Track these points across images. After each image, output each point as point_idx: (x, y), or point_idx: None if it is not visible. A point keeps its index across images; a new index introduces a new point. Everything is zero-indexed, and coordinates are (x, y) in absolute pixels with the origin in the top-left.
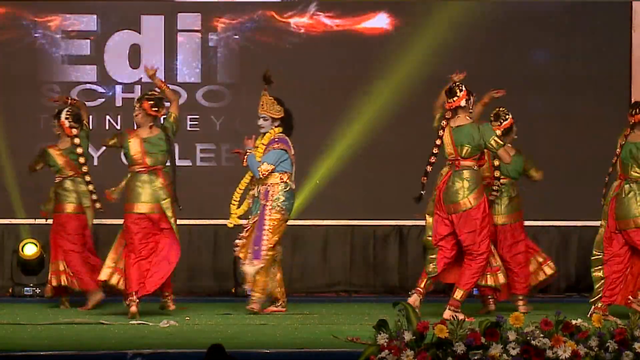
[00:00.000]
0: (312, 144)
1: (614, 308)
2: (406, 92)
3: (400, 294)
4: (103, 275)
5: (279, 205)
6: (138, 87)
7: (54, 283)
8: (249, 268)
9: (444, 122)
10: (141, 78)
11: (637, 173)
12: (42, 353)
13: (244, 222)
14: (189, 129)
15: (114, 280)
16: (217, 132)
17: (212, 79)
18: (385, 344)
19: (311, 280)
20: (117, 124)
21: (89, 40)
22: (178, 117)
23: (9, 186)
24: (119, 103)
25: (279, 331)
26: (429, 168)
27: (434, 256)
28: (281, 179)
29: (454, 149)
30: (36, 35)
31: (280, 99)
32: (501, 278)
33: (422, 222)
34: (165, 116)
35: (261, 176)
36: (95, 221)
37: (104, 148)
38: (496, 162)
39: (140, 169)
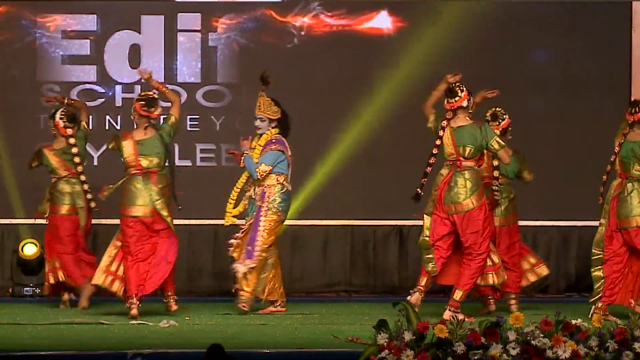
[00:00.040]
0: (312, 144)
1: (613, 308)
2: (406, 92)
3: (400, 294)
4: (95, 279)
5: (275, 207)
6: (138, 87)
7: (52, 280)
8: (241, 267)
9: (444, 123)
10: (141, 78)
11: (639, 171)
12: (42, 353)
13: (240, 222)
14: (189, 129)
15: (106, 283)
16: (217, 132)
17: (212, 79)
18: (385, 344)
19: (311, 280)
20: (117, 124)
21: (88, 40)
22: (178, 119)
23: (9, 186)
24: (119, 103)
25: (279, 331)
26: (428, 169)
27: (430, 256)
28: (278, 180)
29: (455, 150)
30: (36, 35)
31: (277, 100)
32: (503, 275)
33: (421, 222)
34: (165, 116)
35: (259, 177)
36: (95, 221)
37: (103, 148)
38: (495, 162)
39: (135, 172)
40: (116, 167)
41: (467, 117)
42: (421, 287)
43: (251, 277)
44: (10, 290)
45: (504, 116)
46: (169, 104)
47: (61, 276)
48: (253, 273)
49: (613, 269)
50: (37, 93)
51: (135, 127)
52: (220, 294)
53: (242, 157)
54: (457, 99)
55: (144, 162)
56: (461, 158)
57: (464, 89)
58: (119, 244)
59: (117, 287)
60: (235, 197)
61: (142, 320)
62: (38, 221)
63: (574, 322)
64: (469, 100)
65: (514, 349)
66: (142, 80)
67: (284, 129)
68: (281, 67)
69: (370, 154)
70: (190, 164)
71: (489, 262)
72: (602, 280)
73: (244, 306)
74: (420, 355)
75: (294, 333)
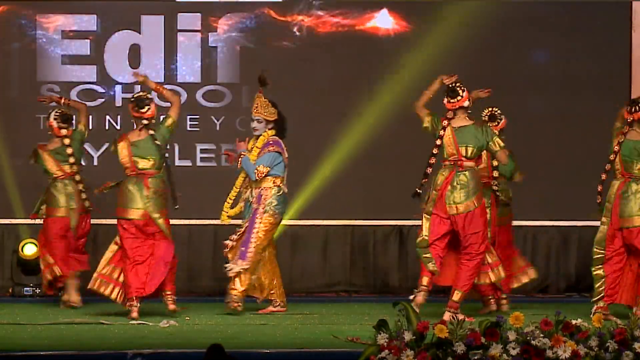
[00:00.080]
0: (312, 144)
1: (613, 308)
2: (406, 92)
3: (400, 294)
4: (91, 283)
5: (272, 210)
6: (138, 87)
7: (49, 277)
8: (234, 268)
9: (445, 122)
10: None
11: None
12: (42, 353)
13: (235, 221)
14: (189, 129)
15: (102, 289)
16: (217, 132)
17: (212, 79)
18: (385, 344)
19: (311, 280)
20: (117, 124)
21: (88, 40)
22: (175, 121)
23: (9, 186)
24: (118, 103)
25: (279, 331)
26: (429, 170)
27: (429, 255)
28: (274, 183)
29: (456, 150)
30: (36, 35)
31: (274, 101)
32: (502, 272)
33: (420, 222)
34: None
35: (257, 178)
36: (96, 221)
37: (104, 148)
38: (495, 162)
39: (131, 173)
40: (116, 167)
41: (467, 117)
42: (424, 287)
43: (244, 277)
44: (10, 290)
45: (501, 116)
46: (168, 104)
47: (57, 270)
48: (246, 274)
49: (613, 268)
50: (37, 93)
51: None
52: (220, 294)
53: (239, 158)
54: (458, 98)
55: (139, 164)
56: (463, 158)
57: (465, 88)
58: (116, 247)
59: (115, 294)
60: (233, 197)
61: (142, 320)
62: (38, 221)
63: (574, 322)
64: (468, 100)
65: (514, 349)
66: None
67: (281, 131)
68: (281, 67)
69: (371, 154)
70: (190, 164)
71: (486, 261)
72: (603, 280)
73: (238, 306)
74: (420, 355)
75: (294, 333)
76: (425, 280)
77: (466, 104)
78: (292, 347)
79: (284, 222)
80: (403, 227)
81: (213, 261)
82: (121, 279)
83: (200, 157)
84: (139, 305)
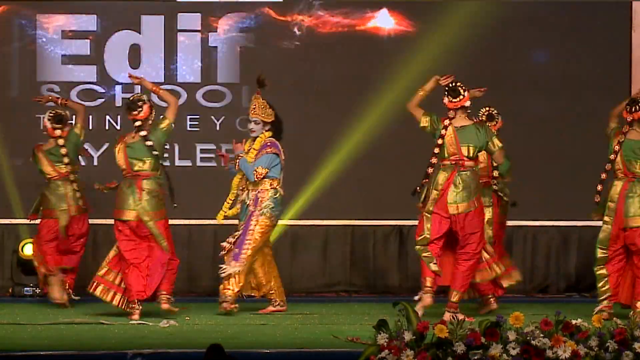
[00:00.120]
0: (312, 144)
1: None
2: (406, 92)
3: (400, 294)
4: (92, 287)
5: (268, 212)
6: (138, 88)
7: (43, 270)
8: (227, 269)
9: (447, 122)
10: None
11: None
12: (42, 353)
13: (230, 221)
14: (189, 129)
15: (103, 295)
16: (217, 132)
17: (212, 79)
18: (385, 344)
19: (311, 280)
20: (117, 124)
21: (88, 40)
22: (171, 122)
23: (9, 186)
24: (119, 103)
25: (279, 331)
26: (430, 169)
27: (429, 254)
28: (271, 185)
29: (458, 150)
30: (36, 35)
31: (270, 103)
32: (498, 268)
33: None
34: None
35: (256, 179)
36: (96, 221)
37: (104, 148)
38: (494, 162)
39: (127, 175)
40: (116, 167)
41: (466, 117)
42: (429, 288)
43: (238, 278)
44: (10, 290)
45: (498, 116)
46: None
47: (47, 268)
48: (240, 275)
49: (616, 267)
50: (37, 93)
51: None
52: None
53: (237, 160)
54: (460, 98)
55: (134, 166)
56: (464, 158)
57: (466, 88)
58: (117, 249)
59: (117, 301)
60: (233, 198)
61: (142, 320)
62: (38, 221)
63: (574, 322)
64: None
65: (514, 349)
66: (145, 78)
67: (278, 132)
68: (281, 67)
69: (370, 154)
70: (190, 164)
71: (483, 258)
72: (607, 279)
73: (234, 307)
74: (420, 355)
75: (294, 333)
76: (429, 281)
77: (467, 103)
78: (292, 347)
79: (285, 222)
80: (403, 227)
81: (213, 261)
82: (123, 284)
83: (200, 157)
84: (140, 307)
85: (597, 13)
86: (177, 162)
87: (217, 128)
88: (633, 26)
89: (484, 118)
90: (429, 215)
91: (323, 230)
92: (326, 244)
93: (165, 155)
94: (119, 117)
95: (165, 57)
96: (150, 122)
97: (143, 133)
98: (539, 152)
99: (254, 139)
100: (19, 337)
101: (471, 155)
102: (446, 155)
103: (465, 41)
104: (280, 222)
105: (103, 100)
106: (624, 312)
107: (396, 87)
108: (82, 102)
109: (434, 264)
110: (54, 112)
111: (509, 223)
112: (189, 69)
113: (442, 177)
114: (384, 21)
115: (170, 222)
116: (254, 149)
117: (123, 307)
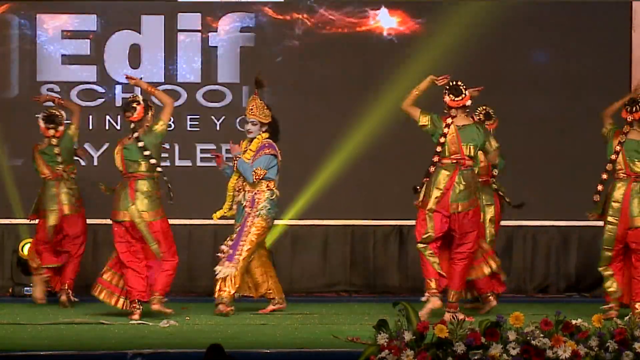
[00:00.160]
0: (312, 144)
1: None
2: (406, 92)
3: (400, 294)
4: (95, 290)
5: (264, 214)
6: (138, 88)
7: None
8: (222, 270)
9: (449, 121)
10: (141, 78)
11: None
12: (42, 353)
13: (224, 221)
14: (189, 129)
15: (106, 298)
16: (217, 132)
17: (212, 79)
18: (385, 344)
19: (311, 280)
20: (117, 124)
21: (88, 40)
22: (165, 124)
23: (9, 186)
24: (119, 103)
25: (279, 331)
26: (432, 168)
27: (431, 251)
28: (268, 186)
29: (460, 149)
30: (36, 35)
31: (267, 104)
32: (494, 264)
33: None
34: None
35: (254, 180)
36: (96, 221)
37: (104, 148)
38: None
39: (123, 176)
40: (116, 167)
41: (466, 116)
42: (434, 290)
43: (234, 279)
44: (10, 290)
45: (494, 115)
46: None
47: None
48: (236, 275)
49: (618, 266)
50: (37, 93)
51: None
52: None
53: (235, 161)
54: (462, 97)
55: (130, 167)
56: (465, 157)
57: (466, 87)
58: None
59: (121, 304)
60: (231, 201)
61: (142, 320)
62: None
63: (574, 322)
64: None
65: (514, 349)
66: (146, 79)
67: (274, 134)
68: (281, 67)
69: (371, 154)
70: (190, 164)
71: (479, 254)
72: (613, 278)
73: (230, 310)
74: (420, 355)
75: (294, 333)
76: (433, 283)
77: (468, 102)
78: (292, 347)
79: (285, 222)
80: (403, 227)
81: (213, 261)
82: (118, 283)
83: (200, 157)
84: (141, 307)
85: (597, 13)
86: (177, 162)
87: (217, 128)
88: (633, 26)
89: (481, 117)
90: (431, 214)
91: (323, 231)
92: (326, 244)
93: (165, 155)
94: (119, 117)
95: (165, 57)
96: (146, 123)
97: (136, 134)
98: (539, 152)
99: (251, 139)
100: (19, 337)
101: (472, 154)
102: (447, 154)
103: (465, 41)
104: (280, 222)
105: (103, 100)
106: (623, 313)
107: (396, 87)
108: (80, 103)
109: (438, 264)
110: (47, 112)
111: (510, 223)
112: (189, 68)
113: (443, 176)
114: (384, 21)
115: (170, 222)
116: (250, 149)
117: (127, 308)
